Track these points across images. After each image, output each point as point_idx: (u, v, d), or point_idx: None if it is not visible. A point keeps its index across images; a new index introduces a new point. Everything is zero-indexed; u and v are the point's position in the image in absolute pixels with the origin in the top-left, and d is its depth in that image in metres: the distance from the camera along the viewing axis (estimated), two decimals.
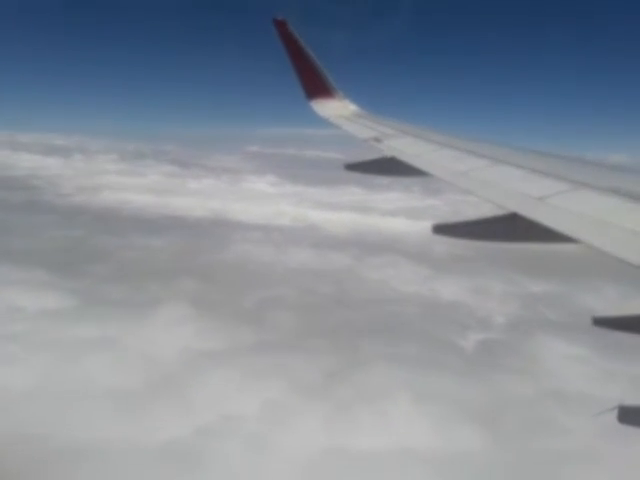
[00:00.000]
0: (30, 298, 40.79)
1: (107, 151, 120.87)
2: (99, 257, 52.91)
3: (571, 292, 52.08)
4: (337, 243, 66.28)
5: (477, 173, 6.36)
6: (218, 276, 49.96)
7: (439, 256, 60.50)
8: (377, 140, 8.79)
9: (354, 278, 54.45)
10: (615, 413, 4.68)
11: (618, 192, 4.75)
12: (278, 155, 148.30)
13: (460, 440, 28.19)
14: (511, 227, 4.84)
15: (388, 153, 7.92)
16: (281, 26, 10.69)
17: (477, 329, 43.92)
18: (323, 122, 11.00)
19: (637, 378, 36.21)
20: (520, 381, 35.19)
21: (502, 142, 8.05)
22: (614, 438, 29.54)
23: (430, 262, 59.12)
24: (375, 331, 41.03)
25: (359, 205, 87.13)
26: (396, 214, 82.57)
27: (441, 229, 5.22)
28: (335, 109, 11.21)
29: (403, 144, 8.42)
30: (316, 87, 11.32)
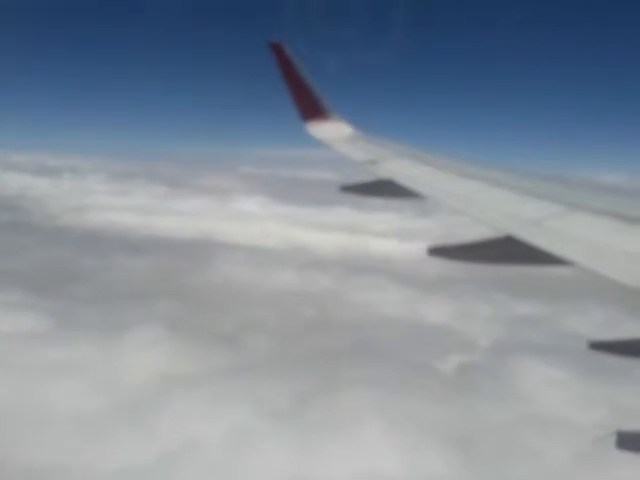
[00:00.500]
0: (5, 319, 40.44)
1: (98, 171, 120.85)
2: (79, 278, 52.58)
3: (557, 314, 51.75)
4: (324, 264, 65.89)
5: (473, 195, 6.38)
6: (198, 298, 49.57)
7: (428, 278, 60.08)
8: (373, 162, 8.79)
9: (337, 300, 54.03)
10: (613, 439, 4.54)
11: (613, 214, 4.75)
12: (272, 175, 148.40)
13: (429, 465, 27.72)
14: (506, 250, 4.81)
15: (384, 175, 7.93)
16: (277, 49, 10.81)
17: (459, 352, 43.47)
18: (319, 143, 10.98)
19: (615, 402, 35.90)
20: (497, 405, 34.74)
21: (497, 163, 8.14)
22: (588, 464, 29.34)
23: (418, 284, 58.71)
24: (353, 355, 40.56)
25: (350, 226, 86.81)
26: (387, 235, 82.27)
27: (436, 251, 5.13)
28: (331, 131, 11.20)
29: (399, 166, 8.47)
30: (312, 109, 11.33)
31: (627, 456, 4.51)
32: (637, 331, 4.09)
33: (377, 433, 29.70)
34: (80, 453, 25.58)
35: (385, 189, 7.65)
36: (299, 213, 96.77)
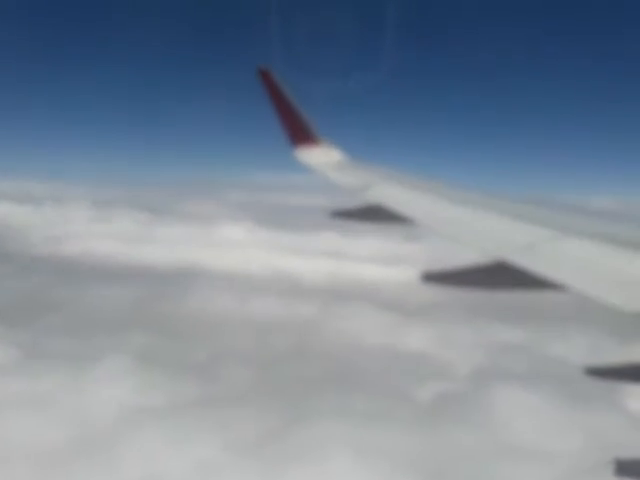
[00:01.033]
0: None
1: (82, 198, 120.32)
2: (52, 308, 51.73)
3: (540, 340, 51.41)
4: (306, 291, 65.38)
5: (463, 220, 6.44)
6: (173, 327, 48.80)
7: (412, 304, 59.44)
8: (362, 188, 8.83)
9: (317, 328, 53.38)
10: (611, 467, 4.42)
11: (606, 239, 4.74)
12: (259, 201, 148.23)
13: None
14: (499, 275, 4.78)
15: (373, 200, 7.97)
16: (265, 75, 10.92)
17: (437, 380, 42.91)
18: (307, 169, 11.03)
19: (592, 430, 35.43)
20: (472, 434, 34.17)
21: (486, 188, 8.11)
22: None
23: (401, 310, 58.16)
24: (328, 384, 39.84)
25: (335, 252, 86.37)
26: (372, 261, 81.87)
27: (429, 277, 5.07)
28: (320, 156, 11.27)
29: (388, 191, 8.55)
30: (301, 135, 11.41)
31: None
32: (630, 355, 3.96)
33: (346, 464, 29.03)
34: None
35: (375, 215, 7.70)
36: (284, 239, 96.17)
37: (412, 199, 7.96)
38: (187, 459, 28.15)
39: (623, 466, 4.40)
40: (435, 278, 5.08)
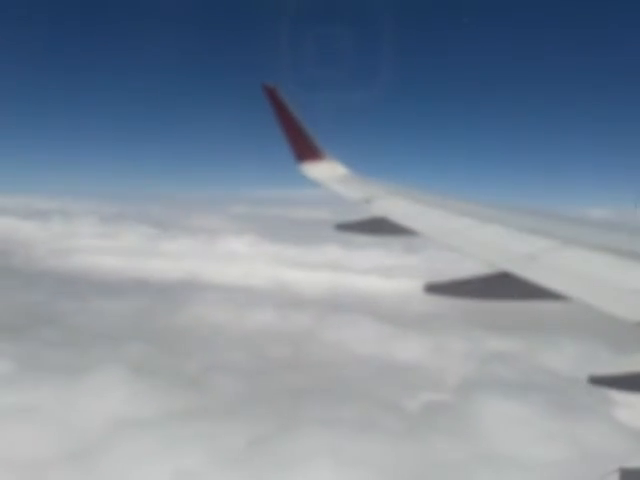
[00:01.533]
0: None
1: (88, 213, 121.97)
2: (52, 322, 52.59)
3: (533, 350, 51.57)
4: (305, 303, 65.76)
5: (467, 232, 6.45)
6: (169, 339, 49.49)
7: (410, 315, 59.94)
8: (367, 200, 9.01)
9: (313, 340, 53.85)
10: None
11: (607, 249, 4.80)
12: (264, 215, 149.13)
13: None
14: (503, 286, 4.85)
15: (378, 213, 8.11)
16: (270, 92, 11.16)
17: (427, 390, 43.17)
18: (312, 183, 11.30)
19: (578, 440, 35.62)
20: (456, 444, 34.33)
21: (489, 199, 8.32)
22: None
23: (397, 321, 58.55)
24: (318, 395, 40.24)
25: (336, 264, 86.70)
26: (372, 273, 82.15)
27: (432, 288, 5.17)
28: (325, 171, 11.52)
29: (392, 204, 8.67)
30: (306, 150, 11.63)
31: None
32: (631, 365, 3.86)
33: (328, 474, 29.46)
34: None
35: (379, 227, 7.85)
36: (287, 252, 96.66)
37: (416, 211, 8.09)
38: (169, 470, 28.72)
39: (629, 475, 4.13)
40: (438, 289, 5.17)
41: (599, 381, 3.79)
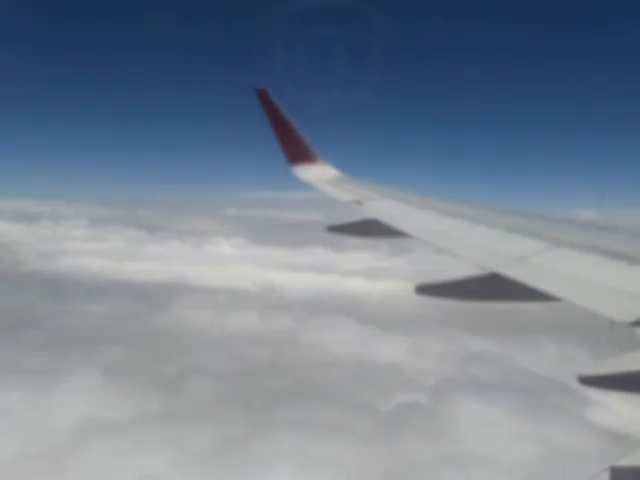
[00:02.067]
0: None
1: (78, 216, 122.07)
2: (33, 324, 52.67)
3: (512, 351, 51.76)
4: (289, 305, 65.91)
5: (457, 233, 6.53)
6: (148, 342, 49.64)
7: (392, 316, 60.09)
8: (358, 203, 9.12)
9: (293, 342, 54.01)
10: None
11: (596, 250, 4.86)
12: (254, 217, 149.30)
13: None
14: (493, 287, 4.90)
15: (369, 215, 8.21)
16: (263, 95, 11.36)
17: (403, 391, 43.33)
18: (303, 185, 11.45)
19: (548, 440, 35.94)
20: (426, 445, 34.52)
21: (478, 202, 8.45)
22: None
23: (379, 322, 58.63)
24: (294, 397, 40.41)
25: (322, 266, 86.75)
26: (357, 274, 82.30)
27: (423, 289, 5.21)
28: (317, 174, 11.70)
29: (383, 206, 8.78)
30: (298, 153, 11.83)
31: None
32: (621, 365, 3.95)
33: (290, 476, 29.74)
34: None
35: (370, 229, 7.93)
36: (275, 254, 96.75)
37: (407, 213, 8.14)
38: (134, 472, 28.94)
39: (620, 474, 4.02)
40: (429, 290, 5.20)
41: (588, 381, 3.86)
